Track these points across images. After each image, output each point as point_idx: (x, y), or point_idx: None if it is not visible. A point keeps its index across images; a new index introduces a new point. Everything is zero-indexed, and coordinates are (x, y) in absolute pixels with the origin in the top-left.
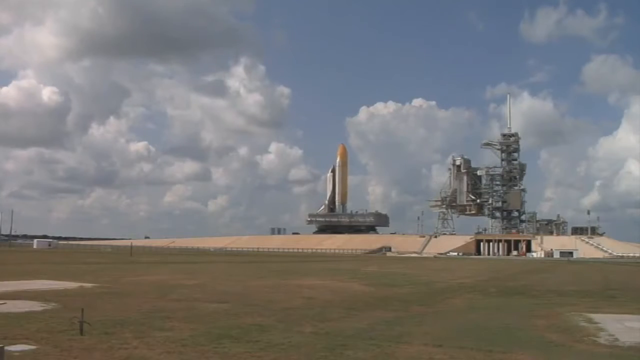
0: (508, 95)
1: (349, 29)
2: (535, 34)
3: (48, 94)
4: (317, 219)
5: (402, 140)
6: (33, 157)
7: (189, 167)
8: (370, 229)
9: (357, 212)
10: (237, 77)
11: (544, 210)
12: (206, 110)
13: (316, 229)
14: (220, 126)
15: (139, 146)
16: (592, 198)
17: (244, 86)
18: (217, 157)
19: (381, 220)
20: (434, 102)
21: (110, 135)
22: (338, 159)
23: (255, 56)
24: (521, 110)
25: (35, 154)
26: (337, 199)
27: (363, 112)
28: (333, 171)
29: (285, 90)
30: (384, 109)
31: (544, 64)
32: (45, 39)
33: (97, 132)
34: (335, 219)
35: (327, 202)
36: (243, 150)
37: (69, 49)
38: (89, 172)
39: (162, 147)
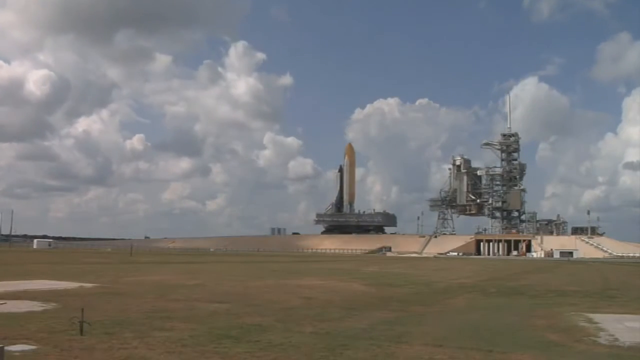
0: (508, 96)
1: (351, 25)
2: (543, 16)
3: (30, 81)
4: (325, 219)
5: (404, 139)
6: (18, 152)
7: (185, 163)
8: (378, 228)
9: (365, 212)
10: (235, 66)
11: (545, 208)
12: (204, 102)
13: (323, 229)
14: (217, 120)
15: (133, 141)
16: (593, 196)
17: (242, 77)
18: (215, 153)
19: (389, 220)
20: (437, 99)
21: (99, 128)
22: (346, 159)
23: (253, 41)
24: (527, 103)
25: (18, 148)
26: (345, 198)
27: (364, 110)
28: (340, 171)
29: (286, 82)
30: (386, 105)
31: (553, 54)
32: (20, 17)
33: (84, 125)
34: (343, 219)
35: (334, 201)
36: (241, 146)
37: (50, 29)
38: (81, 168)
39: (156, 142)
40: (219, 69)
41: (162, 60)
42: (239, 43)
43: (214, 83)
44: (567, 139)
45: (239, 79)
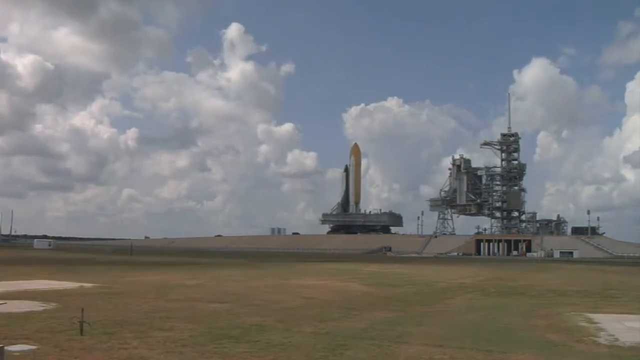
0: (508, 94)
1: (355, 22)
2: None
3: (9, 67)
4: (331, 219)
5: (404, 137)
6: (7, 147)
7: (182, 161)
8: (384, 228)
9: (370, 212)
10: (231, 55)
11: (546, 204)
12: (199, 93)
13: (329, 229)
14: (214, 112)
15: (127, 136)
16: (594, 195)
17: (238, 66)
18: (212, 148)
19: (395, 220)
20: (439, 97)
21: (89, 121)
22: (352, 159)
23: (250, 26)
24: (533, 94)
25: (8, 142)
26: (350, 198)
27: (359, 106)
28: (346, 171)
29: (285, 72)
30: (386, 103)
31: (562, 44)
32: None
33: (73, 117)
34: (349, 219)
35: (340, 201)
36: (239, 141)
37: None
38: (74, 165)
39: (150, 137)
40: (216, 57)
41: (153, 47)
42: (234, 26)
43: (209, 73)
44: (573, 133)
45: (235, 69)
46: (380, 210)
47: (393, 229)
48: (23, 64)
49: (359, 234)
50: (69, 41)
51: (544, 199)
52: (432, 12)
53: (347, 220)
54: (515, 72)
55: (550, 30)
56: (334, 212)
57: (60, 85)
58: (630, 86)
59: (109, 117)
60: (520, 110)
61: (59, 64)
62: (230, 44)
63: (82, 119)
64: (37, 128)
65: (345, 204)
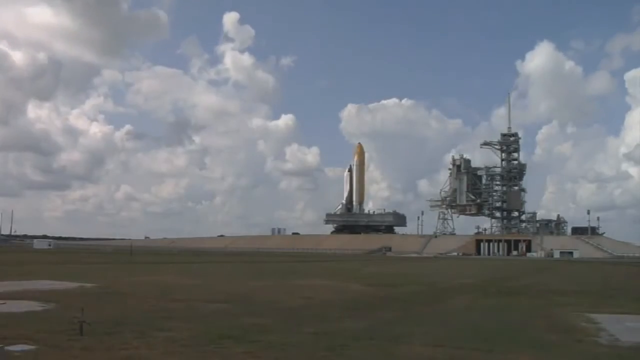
0: (508, 94)
1: (355, 18)
2: None
3: None
4: (335, 219)
5: (403, 137)
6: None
7: (180, 159)
8: (388, 228)
9: (374, 212)
10: (228, 46)
11: (547, 203)
12: (196, 87)
13: (333, 229)
14: (211, 108)
15: (122, 133)
16: (595, 193)
17: (236, 60)
18: (210, 145)
19: (399, 220)
20: (439, 96)
21: (81, 117)
22: (356, 158)
23: (249, 17)
24: (537, 89)
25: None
26: (354, 198)
27: (358, 105)
28: (350, 171)
29: (285, 69)
30: (386, 102)
31: (568, 37)
32: None
33: (65, 113)
34: (353, 219)
35: (344, 201)
36: (238, 138)
37: None
38: (70, 163)
39: (146, 134)
40: (211, 49)
41: (146, 35)
42: (230, 15)
43: (205, 66)
44: (575, 128)
45: (233, 62)
46: (385, 210)
47: (395, 229)
48: (15, 56)
49: (362, 234)
50: (56, 22)
51: (544, 197)
52: (432, 7)
53: (351, 220)
54: (518, 62)
55: (554, 21)
56: (338, 212)
57: (53, 79)
58: (633, 77)
59: (103, 114)
60: (521, 104)
61: (51, 57)
62: (225, 36)
63: (75, 116)
64: (29, 123)
65: (349, 204)
